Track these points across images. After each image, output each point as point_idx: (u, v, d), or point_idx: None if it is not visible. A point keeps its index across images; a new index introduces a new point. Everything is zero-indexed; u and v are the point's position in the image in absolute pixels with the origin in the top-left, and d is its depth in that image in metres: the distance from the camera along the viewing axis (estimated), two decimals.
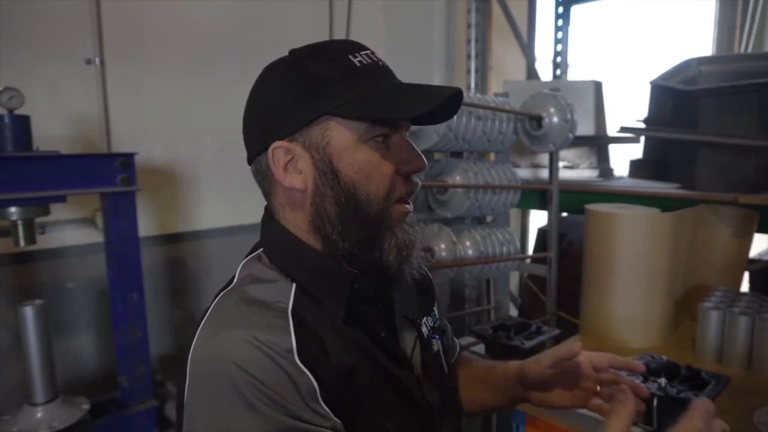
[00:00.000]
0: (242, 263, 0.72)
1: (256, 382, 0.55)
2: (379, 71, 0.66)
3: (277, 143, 0.66)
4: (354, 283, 0.67)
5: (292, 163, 0.66)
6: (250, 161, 0.71)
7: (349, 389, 0.62)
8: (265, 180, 0.70)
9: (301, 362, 0.58)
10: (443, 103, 0.64)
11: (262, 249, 0.72)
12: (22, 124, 1.66)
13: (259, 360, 0.57)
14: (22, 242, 1.71)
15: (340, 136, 0.64)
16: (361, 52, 0.66)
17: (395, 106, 0.64)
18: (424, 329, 0.78)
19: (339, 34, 2.88)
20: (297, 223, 0.69)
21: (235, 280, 0.69)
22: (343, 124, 0.64)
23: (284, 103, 0.66)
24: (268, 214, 0.73)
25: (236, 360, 0.56)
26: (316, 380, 0.58)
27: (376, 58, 0.67)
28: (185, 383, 0.60)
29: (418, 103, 0.63)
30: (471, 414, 0.92)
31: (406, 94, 0.65)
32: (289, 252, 0.69)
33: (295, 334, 0.59)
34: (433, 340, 0.79)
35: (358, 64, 0.65)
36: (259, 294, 0.64)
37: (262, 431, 0.55)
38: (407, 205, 0.69)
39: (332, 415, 0.59)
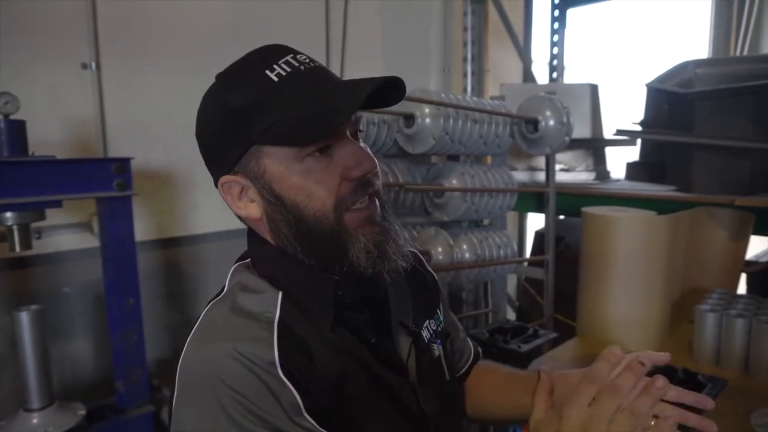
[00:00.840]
0: (232, 269, 0.73)
1: (239, 397, 0.56)
2: (299, 80, 0.62)
3: (224, 177, 0.67)
4: (337, 290, 0.66)
5: (245, 193, 0.67)
6: (215, 185, 0.71)
7: (338, 398, 0.62)
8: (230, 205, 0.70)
9: (284, 375, 0.58)
10: (384, 90, 0.61)
11: (249, 261, 0.73)
12: (18, 128, 1.65)
13: (242, 374, 0.57)
14: (17, 247, 1.70)
15: (273, 162, 0.63)
16: (280, 62, 0.62)
17: (317, 121, 0.60)
18: (425, 333, 0.76)
19: (335, 37, 2.88)
20: (269, 238, 0.70)
21: (225, 289, 0.70)
22: (274, 149, 0.63)
23: (215, 139, 0.66)
24: (253, 231, 0.73)
25: (220, 375, 0.57)
26: (299, 392, 0.58)
27: (297, 61, 0.63)
28: (174, 392, 0.61)
29: (340, 111, 0.60)
30: (482, 421, 0.90)
31: (329, 101, 0.61)
32: (273, 262, 0.69)
33: (278, 347, 0.60)
34: (434, 345, 0.77)
35: (276, 78, 0.62)
36: (246, 304, 0.64)
37: None
38: (366, 207, 0.66)
39: (317, 427, 0.58)
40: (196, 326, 0.65)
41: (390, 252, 0.66)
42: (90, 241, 2.12)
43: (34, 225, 1.76)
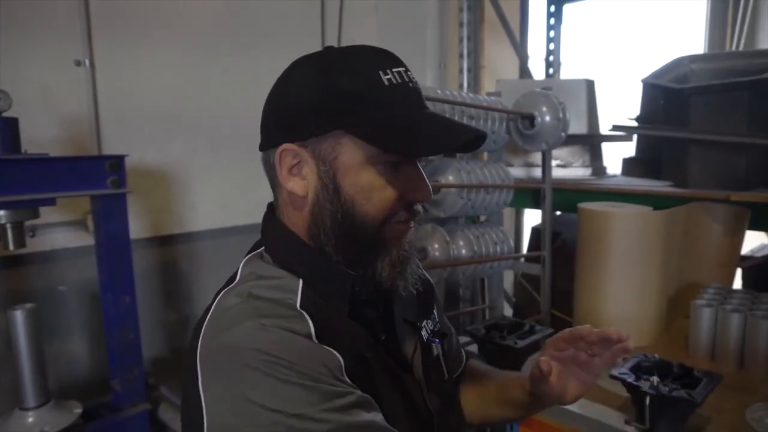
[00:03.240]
0: (244, 260, 0.71)
1: (281, 360, 0.54)
2: (406, 93, 0.65)
3: (287, 145, 0.65)
4: (354, 285, 0.66)
5: (298, 168, 0.66)
6: (261, 149, 0.70)
7: (362, 377, 0.61)
8: (272, 172, 0.69)
9: (322, 344, 0.58)
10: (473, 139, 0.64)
11: (263, 247, 0.71)
12: (10, 126, 1.64)
13: (282, 340, 0.56)
14: (11, 245, 1.69)
15: (349, 153, 0.64)
16: (393, 69, 0.64)
17: (410, 141, 0.62)
18: (423, 333, 0.77)
19: (331, 32, 2.87)
20: (297, 222, 0.69)
21: (237, 278, 0.68)
22: (356, 142, 0.63)
23: (304, 107, 0.64)
24: (271, 210, 0.73)
25: (256, 346, 0.55)
26: (340, 355, 0.58)
27: (408, 77, 0.65)
28: (197, 380, 0.57)
29: (435, 143, 0.64)
30: (478, 425, 0.91)
31: (425, 128, 0.64)
32: (292, 250, 0.69)
33: (312, 322, 0.60)
34: (433, 344, 0.78)
35: (387, 83, 0.63)
36: (265, 292, 0.63)
37: (303, 401, 0.53)
38: (406, 226, 0.68)
39: (357, 389, 0.58)
40: (210, 314, 0.63)
41: (408, 272, 0.69)
42: (85, 239, 2.11)
43: (28, 223, 1.75)
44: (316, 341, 0.58)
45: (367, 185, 0.64)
